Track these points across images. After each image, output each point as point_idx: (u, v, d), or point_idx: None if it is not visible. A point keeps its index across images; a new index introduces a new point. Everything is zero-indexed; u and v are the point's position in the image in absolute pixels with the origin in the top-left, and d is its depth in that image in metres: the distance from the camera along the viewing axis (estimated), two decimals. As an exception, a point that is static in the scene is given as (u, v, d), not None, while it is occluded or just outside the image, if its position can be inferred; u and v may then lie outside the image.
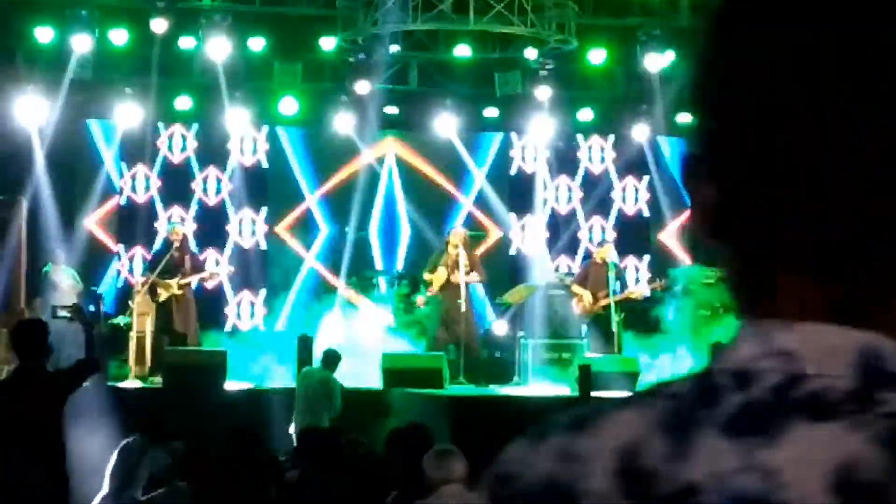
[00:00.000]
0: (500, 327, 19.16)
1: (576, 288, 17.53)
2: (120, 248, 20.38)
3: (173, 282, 16.69)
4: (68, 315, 12.66)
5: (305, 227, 21.05)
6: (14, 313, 16.39)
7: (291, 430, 13.80)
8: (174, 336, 16.58)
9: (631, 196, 21.75)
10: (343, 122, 20.39)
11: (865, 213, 1.04)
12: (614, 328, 16.89)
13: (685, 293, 19.29)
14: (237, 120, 20.23)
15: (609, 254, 17.41)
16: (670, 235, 21.59)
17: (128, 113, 19.83)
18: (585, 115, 21.16)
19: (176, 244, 16.79)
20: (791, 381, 1.06)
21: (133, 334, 16.75)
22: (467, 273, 16.69)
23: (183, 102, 20.19)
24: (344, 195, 20.78)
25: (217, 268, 17.52)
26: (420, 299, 17.46)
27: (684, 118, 20.91)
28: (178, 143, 20.65)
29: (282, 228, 20.90)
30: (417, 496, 6.92)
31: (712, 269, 19.32)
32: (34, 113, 19.31)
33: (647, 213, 21.77)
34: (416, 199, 21.15)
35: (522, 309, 19.00)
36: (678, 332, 18.58)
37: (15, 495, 8.76)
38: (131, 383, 16.05)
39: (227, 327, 20.06)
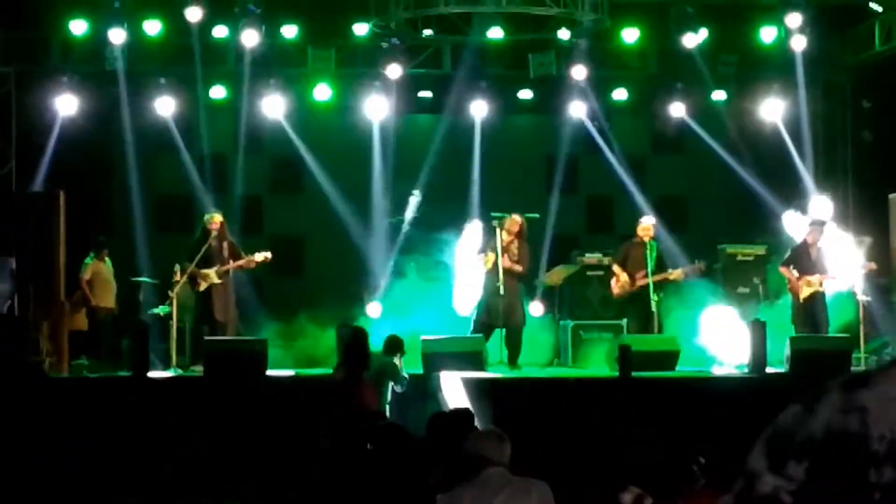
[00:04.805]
0: (537, 309, 19.12)
1: (614, 268, 17.48)
2: (158, 237, 20.44)
3: (212, 271, 16.73)
4: None
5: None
6: (55, 306, 16.47)
7: None
8: (214, 325, 16.63)
9: (667, 175, 21.65)
10: (376, 107, 20.40)
11: None
12: (653, 308, 16.83)
13: (725, 271, 19.22)
14: (272, 107, 20.26)
15: (650, 233, 17.31)
16: (708, 213, 21.52)
17: (163, 103, 19.92)
18: (620, 94, 21.09)
19: (214, 233, 16.81)
20: None
21: (173, 324, 16.81)
22: (505, 258, 16.68)
23: (217, 91, 20.23)
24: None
25: (255, 255, 17.46)
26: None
27: (719, 95, 20.84)
28: (213, 132, 20.68)
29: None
30: (461, 479, 6.91)
31: (750, 246, 19.31)
32: (70, 105, 19.41)
33: (683, 191, 21.67)
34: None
35: (561, 289, 18.96)
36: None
37: None
38: (172, 373, 16.12)
39: (265, 315, 20.08)
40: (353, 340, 10.44)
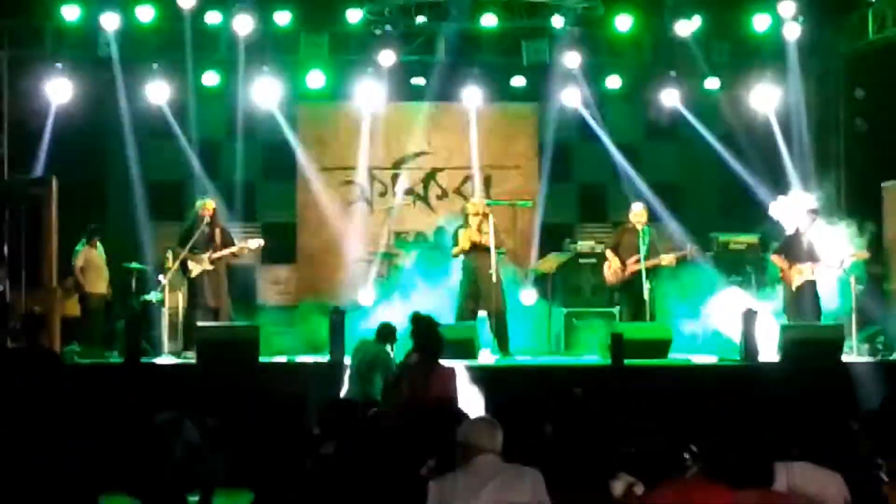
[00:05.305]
0: (529, 296, 19.11)
1: (607, 253, 17.48)
2: (151, 223, 20.40)
3: (204, 257, 16.72)
4: None
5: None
6: (47, 292, 16.45)
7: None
8: (206, 311, 16.62)
9: (661, 162, 21.62)
10: (369, 94, 20.36)
11: None
12: (646, 295, 16.82)
13: (717, 260, 19.21)
14: (265, 94, 20.20)
15: (642, 220, 17.29)
16: (701, 201, 21.52)
17: (155, 89, 19.87)
18: (613, 81, 21.05)
19: (206, 219, 16.80)
20: None
21: (165, 310, 16.80)
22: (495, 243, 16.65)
23: (210, 78, 20.16)
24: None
25: (248, 242, 17.43)
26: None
27: (712, 83, 20.82)
28: (206, 118, 20.63)
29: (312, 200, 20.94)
30: (453, 467, 6.92)
31: (743, 234, 19.31)
32: (62, 92, 19.36)
33: (677, 179, 21.64)
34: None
35: (553, 277, 18.95)
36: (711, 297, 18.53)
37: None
38: (164, 359, 16.11)
39: (259, 301, 20.06)
40: (417, 327, 10.55)
